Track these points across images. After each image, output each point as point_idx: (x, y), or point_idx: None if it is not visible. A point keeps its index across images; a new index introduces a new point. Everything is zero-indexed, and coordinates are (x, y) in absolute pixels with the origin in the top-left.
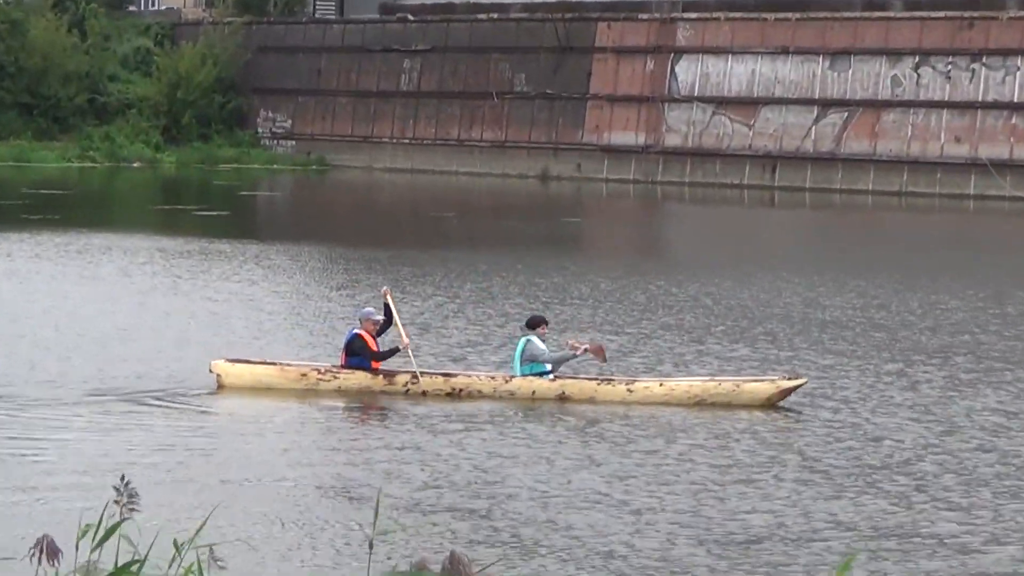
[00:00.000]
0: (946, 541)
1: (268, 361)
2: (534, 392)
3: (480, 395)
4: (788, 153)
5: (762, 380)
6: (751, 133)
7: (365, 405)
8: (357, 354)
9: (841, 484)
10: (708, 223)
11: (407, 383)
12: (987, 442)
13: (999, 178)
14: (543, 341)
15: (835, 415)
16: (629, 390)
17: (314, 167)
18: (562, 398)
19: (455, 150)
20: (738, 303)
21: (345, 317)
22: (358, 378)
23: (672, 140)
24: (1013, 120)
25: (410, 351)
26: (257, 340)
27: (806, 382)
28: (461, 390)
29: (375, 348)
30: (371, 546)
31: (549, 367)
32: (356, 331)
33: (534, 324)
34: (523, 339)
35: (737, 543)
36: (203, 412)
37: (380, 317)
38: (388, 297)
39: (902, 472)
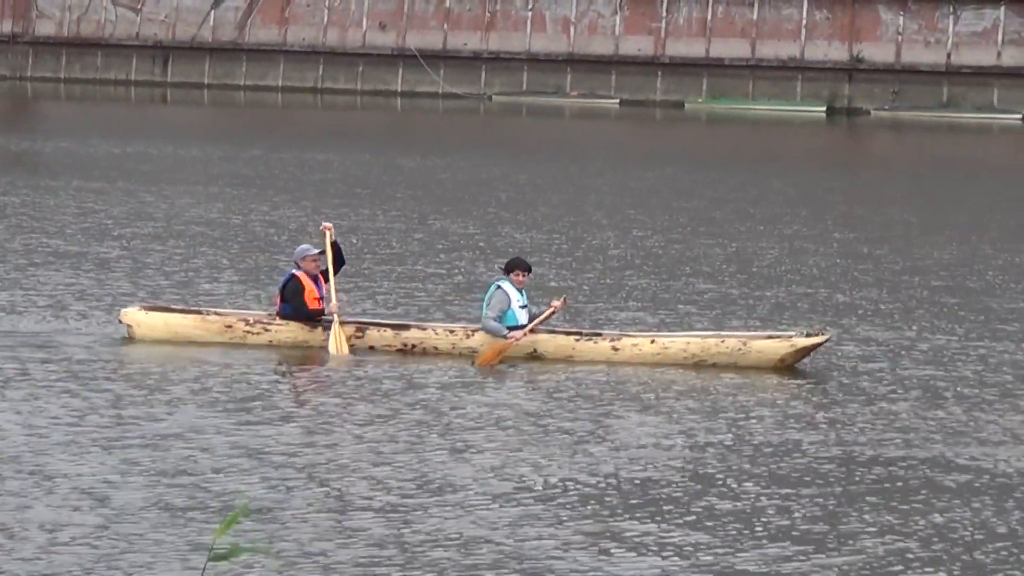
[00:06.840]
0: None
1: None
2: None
3: (436, 351)
4: (182, 43)
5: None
6: (139, 20)
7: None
8: (289, 300)
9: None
10: (85, 125)
11: (351, 336)
12: None
13: (431, 71)
14: (520, 291)
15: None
16: (615, 348)
17: None
18: (533, 357)
19: None
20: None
21: None
22: (291, 330)
23: (44, 28)
24: (447, 4)
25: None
26: None
27: (829, 339)
28: (414, 346)
29: (317, 295)
30: None
31: (520, 322)
32: (293, 272)
33: (509, 268)
34: (493, 284)
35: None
36: None
37: (316, 251)
38: (329, 235)
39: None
